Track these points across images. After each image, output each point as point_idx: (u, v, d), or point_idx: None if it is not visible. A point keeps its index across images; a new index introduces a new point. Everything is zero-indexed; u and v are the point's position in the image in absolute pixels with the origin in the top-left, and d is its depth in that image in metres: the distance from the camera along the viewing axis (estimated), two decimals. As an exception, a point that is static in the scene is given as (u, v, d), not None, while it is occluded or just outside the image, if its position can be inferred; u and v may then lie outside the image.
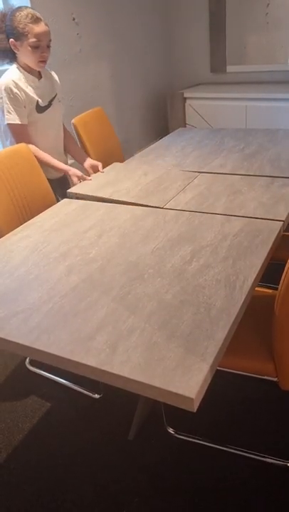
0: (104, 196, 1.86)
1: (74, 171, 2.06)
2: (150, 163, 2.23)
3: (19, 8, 1.85)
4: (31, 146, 2.00)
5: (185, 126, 3.94)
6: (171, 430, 1.62)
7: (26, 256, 1.44)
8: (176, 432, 1.61)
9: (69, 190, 1.97)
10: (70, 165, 2.30)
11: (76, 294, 1.20)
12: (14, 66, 1.95)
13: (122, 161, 2.41)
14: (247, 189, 1.78)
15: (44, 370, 1.96)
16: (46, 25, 1.87)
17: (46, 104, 2.05)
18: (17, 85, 1.90)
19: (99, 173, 2.15)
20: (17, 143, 1.97)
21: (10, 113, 1.91)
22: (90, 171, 2.19)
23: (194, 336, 1.00)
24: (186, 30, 4.11)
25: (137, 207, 1.73)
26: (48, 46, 1.91)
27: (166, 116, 4.16)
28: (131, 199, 1.80)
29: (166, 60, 4.26)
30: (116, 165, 2.22)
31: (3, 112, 1.92)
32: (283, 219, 1.51)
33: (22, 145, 1.94)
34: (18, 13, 1.83)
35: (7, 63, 1.98)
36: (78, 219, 1.68)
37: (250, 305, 1.47)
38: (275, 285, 1.27)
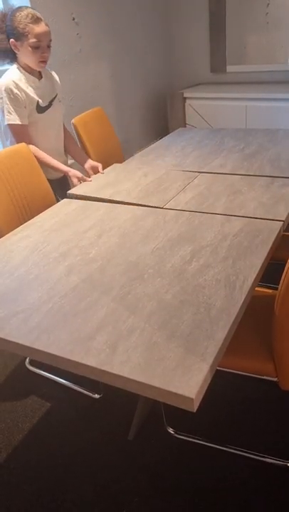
0: (104, 197, 1.86)
1: (74, 172, 2.05)
2: (150, 164, 2.23)
3: (19, 8, 1.85)
4: (31, 147, 2.00)
5: (185, 126, 3.94)
6: (171, 430, 1.62)
7: (26, 256, 1.44)
8: (176, 432, 1.61)
9: (69, 192, 1.97)
10: (70, 165, 2.30)
11: (76, 294, 1.20)
12: (14, 66, 1.95)
13: (122, 161, 2.41)
14: (247, 189, 1.78)
15: (44, 370, 1.96)
16: (46, 25, 1.87)
17: (47, 104, 2.05)
18: (17, 86, 1.90)
19: (99, 174, 2.15)
20: (17, 143, 1.97)
21: (10, 113, 1.91)
22: (90, 172, 2.19)
23: (194, 335, 1.00)
24: (186, 30, 4.11)
25: (137, 207, 1.73)
26: (49, 46, 1.91)
27: (166, 116, 4.16)
28: (131, 200, 1.80)
29: (166, 60, 4.26)
30: (116, 166, 2.22)
31: (3, 112, 1.92)
32: (283, 219, 1.51)
33: (22, 145, 1.94)
34: (18, 13, 1.83)
35: (7, 63, 1.98)
36: (78, 219, 1.68)
37: (250, 305, 1.47)
38: (275, 285, 1.27)
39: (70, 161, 2.32)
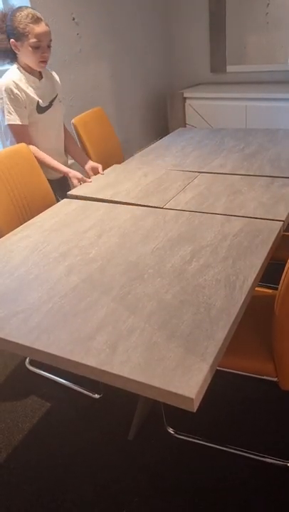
0: (104, 198, 1.86)
1: (74, 173, 2.05)
2: (150, 164, 2.23)
3: (19, 8, 1.85)
4: (32, 147, 2.00)
5: (185, 126, 3.94)
6: (171, 430, 1.62)
7: (26, 256, 1.44)
8: (176, 432, 1.61)
9: (69, 193, 1.96)
10: (70, 165, 2.30)
11: (76, 294, 1.20)
12: (15, 66, 1.95)
13: (122, 161, 2.41)
14: (247, 189, 1.78)
15: (44, 370, 1.96)
16: (47, 25, 1.87)
17: (47, 104, 2.04)
18: (17, 86, 1.90)
19: (99, 175, 2.15)
20: (18, 143, 1.97)
21: (10, 114, 1.91)
22: (90, 172, 2.19)
23: (194, 335, 1.00)
24: (186, 30, 4.11)
25: (137, 207, 1.73)
26: (49, 46, 1.91)
27: (166, 116, 4.16)
28: (131, 200, 1.80)
29: (166, 60, 4.26)
30: (116, 167, 2.22)
31: (3, 112, 1.92)
32: (283, 219, 1.51)
33: (22, 145, 1.94)
34: (18, 14, 1.83)
35: (8, 63, 1.98)
36: (78, 219, 1.68)
37: (250, 305, 1.47)
38: (275, 285, 1.27)
39: (70, 161, 2.32)
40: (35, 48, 1.86)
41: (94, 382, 1.82)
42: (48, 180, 2.02)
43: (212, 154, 2.26)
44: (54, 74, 2.13)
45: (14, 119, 1.92)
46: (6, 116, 1.92)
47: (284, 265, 1.17)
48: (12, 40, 1.87)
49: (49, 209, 1.81)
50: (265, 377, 1.32)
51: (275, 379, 1.30)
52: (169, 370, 0.91)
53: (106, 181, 2.04)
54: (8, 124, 1.94)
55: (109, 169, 2.20)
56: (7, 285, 1.28)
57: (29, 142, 1.99)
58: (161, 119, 4.31)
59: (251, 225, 1.48)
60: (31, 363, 2.02)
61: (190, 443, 1.57)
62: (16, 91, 1.89)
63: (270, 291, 1.57)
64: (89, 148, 2.44)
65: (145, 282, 1.22)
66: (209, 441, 1.56)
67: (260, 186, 1.80)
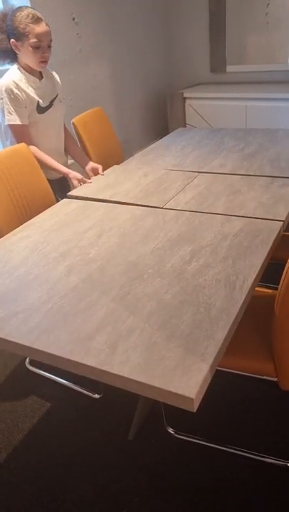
0: (104, 198, 1.85)
1: (74, 174, 2.05)
2: (150, 164, 2.23)
3: (20, 8, 1.85)
4: (32, 148, 2.00)
5: (185, 126, 3.94)
6: (171, 430, 1.62)
7: (26, 256, 1.44)
8: (176, 432, 1.61)
9: (69, 194, 1.96)
10: (70, 165, 2.30)
11: (76, 294, 1.20)
12: (15, 66, 1.95)
13: (122, 161, 2.41)
14: (247, 189, 1.78)
15: (44, 370, 1.96)
16: (47, 25, 1.87)
17: (47, 104, 2.04)
18: (18, 86, 1.90)
19: (99, 175, 2.15)
20: (18, 143, 1.96)
21: (11, 114, 1.91)
22: (90, 173, 2.19)
23: (194, 336, 1.00)
24: (186, 30, 4.11)
25: (136, 207, 1.73)
26: (49, 46, 1.91)
27: (166, 116, 4.16)
28: (131, 200, 1.80)
29: (166, 60, 4.26)
30: (116, 167, 2.22)
31: (3, 112, 1.92)
32: (283, 219, 1.51)
33: (22, 145, 1.94)
34: (18, 14, 1.82)
35: (8, 63, 1.98)
36: (78, 219, 1.68)
37: (250, 305, 1.47)
38: (275, 285, 1.27)
39: (69, 161, 2.32)
40: (36, 48, 1.86)
41: (94, 382, 1.82)
42: (47, 180, 2.02)
43: (212, 154, 2.26)
44: (54, 74, 2.13)
45: (14, 119, 1.92)
46: (7, 117, 1.92)
47: (284, 265, 1.17)
48: (12, 40, 1.87)
49: (49, 209, 1.81)
50: (265, 377, 1.32)
51: (275, 379, 1.30)
52: (168, 370, 0.91)
53: (106, 182, 2.04)
54: (9, 124, 1.94)
55: (109, 170, 2.20)
56: (7, 285, 1.28)
57: (29, 142, 1.99)
58: (161, 119, 4.31)
59: (251, 225, 1.48)
60: (31, 363, 2.02)
61: (190, 443, 1.57)
62: (16, 91, 1.89)
63: (270, 291, 1.57)
64: (89, 148, 2.44)
65: (145, 282, 1.22)
66: (209, 441, 1.56)
67: (260, 186, 1.80)
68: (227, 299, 1.11)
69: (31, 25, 1.82)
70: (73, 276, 1.29)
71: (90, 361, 0.95)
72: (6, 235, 1.62)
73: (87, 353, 0.98)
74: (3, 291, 1.26)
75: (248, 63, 3.97)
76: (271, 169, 1.97)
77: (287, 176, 1.88)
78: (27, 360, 2.04)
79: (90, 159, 2.38)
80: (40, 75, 2.02)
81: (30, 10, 1.84)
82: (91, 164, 2.21)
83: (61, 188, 2.21)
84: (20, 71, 1.94)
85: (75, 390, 1.85)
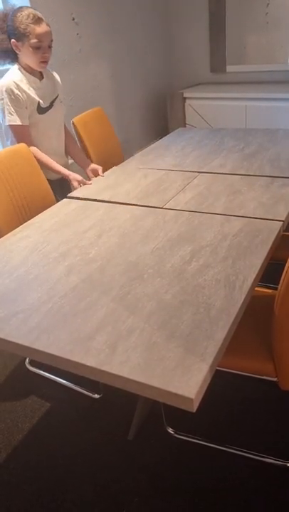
0: (104, 199, 1.85)
1: (74, 176, 2.05)
2: (150, 164, 2.23)
3: (20, 9, 1.85)
4: (33, 148, 2.00)
5: (185, 126, 3.94)
6: (170, 430, 1.62)
7: (26, 256, 1.44)
8: (175, 432, 1.61)
9: (69, 195, 1.96)
10: (70, 165, 2.30)
11: (76, 294, 1.20)
12: (15, 67, 1.95)
13: (121, 161, 2.41)
14: (247, 189, 1.78)
15: (44, 370, 1.96)
16: (48, 25, 1.87)
17: (48, 105, 2.04)
18: (18, 86, 1.90)
19: (99, 177, 2.14)
20: (18, 144, 1.96)
21: (11, 114, 1.91)
22: (90, 174, 2.19)
23: (194, 336, 1.00)
24: (186, 30, 4.11)
25: (136, 207, 1.73)
26: (50, 47, 1.91)
27: (166, 116, 4.16)
28: (131, 201, 1.80)
29: (166, 60, 4.26)
30: (116, 169, 2.22)
31: (3, 113, 1.92)
32: (283, 219, 1.51)
33: (22, 145, 1.94)
34: (19, 14, 1.82)
35: (8, 63, 1.98)
36: (78, 219, 1.68)
37: (250, 305, 1.47)
38: (275, 285, 1.27)
39: (70, 161, 2.32)
40: (36, 48, 1.86)
41: (94, 383, 1.82)
42: (47, 180, 2.02)
43: (212, 154, 2.26)
44: (55, 74, 2.13)
45: (15, 120, 1.92)
46: (7, 117, 1.92)
47: (284, 265, 1.17)
48: (13, 40, 1.87)
49: (49, 209, 1.81)
50: (264, 377, 1.32)
51: (275, 379, 1.30)
52: (168, 370, 0.91)
53: (106, 183, 2.04)
54: (9, 125, 1.94)
55: (109, 171, 2.19)
56: (7, 285, 1.28)
57: (30, 143, 1.99)
58: (161, 119, 4.31)
59: (251, 225, 1.48)
60: (31, 363, 2.02)
61: (190, 443, 1.57)
62: (16, 91, 1.89)
63: (270, 291, 1.57)
64: (89, 148, 2.44)
65: (145, 282, 1.22)
66: (209, 441, 1.56)
67: (259, 186, 1.80)
68: (227, 299, 1.11)
69: (32, 25, 1.82)
70: (73, 276, 1.29)
71: (90, 361, 0.95)
72: (6, 235, 1.62)
73: (87, 353, 0.98)
74: (3, 291, 1.26)
75: (248, 63, 3.97)
76: (271, 169, 1.97)
77: (287, 175, 1.88)
78: (27, 360, 2.04)
79: (90, 159, 2.38)
80: (40, 76, 2.02)
81: (31, 10, 1.84)
82: (91, 165, 2.21)
83: (61, 188, 2.21)
84: (21, 71, 1.94)
85: (75, 390, 1.85)
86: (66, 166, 2.21)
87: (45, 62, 1.92)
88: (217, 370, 1.29)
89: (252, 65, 3.94)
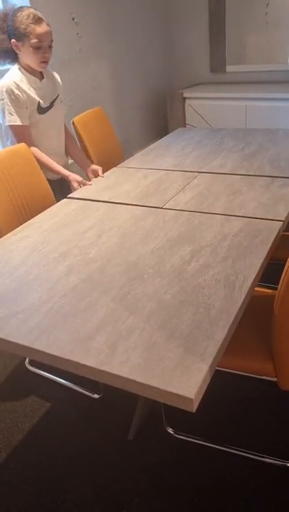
0: (104, 200, 1.85)
1: (74, 177, 2.05)
2: (150, 164, 2.23)
3: (21, 9, 1.85)
4: (33, 149, 2.00)
5: (185, 126, 3.94)
6: (170, 430, 1.62)
7: (26, 256, 1.45)
8: (175, 432, 1.61)
9: (69, 196, 1.96)
10: (70, 165, 2.30)
11: (76, 294, 1.20)
12: (16, 67, 1.95)
13: (121, 161, 2.41)
14: (247, 189, 1.78)
15: (44, 370, 1.96)
16: (48, 25, 1.87)
17: (48, 105, 2.04)
18: (18, 87, 1.90)
19: (99, 177, 2.14)
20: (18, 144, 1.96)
21: (11, 114, 1.91)
22: (90, 175, 2.19)
23: (194, 336, 1.00)
24: (186, 30, 4.11)
25: (136, 207, 1.73)
26: (50, 47, 1.91)
27: (166, 116, 4.16)
28: (130, 201, 1.80)
29: (166, 60, 4.26)
30: (116, 170, 2.22)
31: (4, 113, 1.92)
32: (283, 219, 1.51)
33: (22, 145, 1.94)
34: (19, 14, 1.82)
35: (8, 63, 1.98)
36: (78, 219, 1.68)
37: (250, 305, 1.48)
38: (275, 285, 1.27)
39: (69, 161, 2.32)
40: (37, 48, 1.86)
41: (94, 383, 1.82)
42: (47, 180, 2.02)
43: (212, 154, 2.26)
44: (55, 74, 2.13)
45: (15, 120, 1.92)
46: (7, 117, 1.92)
47: (283, 265, 1.17)
48: (13, 40, 1.87)
49: (49, 209, 1.81)
50: (264, 377, 1.32)
51: (275, 379, 1.30)
52: (168, 370, 0.91)
53: (106, 184, 2.04)
54: (9, 125, 1.93)
55: (109, 172, 2.19)
56: (7, 285, 1.28)
57: (30, 143, 1.99)
58: (161, 119, 4.31)
59: (251, 225, 1.48)
60: (31, 363, 2.03)
61: (189, 443, 1.57)
62: (16, 92, 1.89)
63: (270, 291, 1.57)
64: (89, 149, 2.44)
65: (145, 282, 1.22)
66: (209, 441, 1.56)
67: (259, 186, 1.80)
68: (226, 299, 1.11)
69: (32, 25, 1.82)
70: (73, 276, 1.29)
71: (90, 361, 0.95)
72: (6, 235, 1.62)
73: (87, 353, 0.98)
74: (3, 291, 1.26)
75: (248, 63, 3.97)
76: (271, 169, 1.97)
77: (287, 175, 1.88)
78: (27, 360, 2.04)
79: (90, 159, 2.38)
80: (41, 76, 2.02)
81: (31, 10, 1.84)
82: (91, 166, 2.21)
83: (61, 188, 2.20)
84: (21, 71, 1.94)
85: (75, 390, 1.85)
86: (66, 166, 2.21)
87: (45, 62, 1.92)
88: (217, 370, 1.30)
89: (252, 65, 3.94)
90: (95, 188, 2.01)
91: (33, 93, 1.95)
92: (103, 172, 2.17)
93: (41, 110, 2.01)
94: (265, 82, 3.93)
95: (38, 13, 1.84)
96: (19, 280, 1.30)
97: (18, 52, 1.90)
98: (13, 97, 1.89)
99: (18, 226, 1.72)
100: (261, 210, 1.59)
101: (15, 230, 1.66)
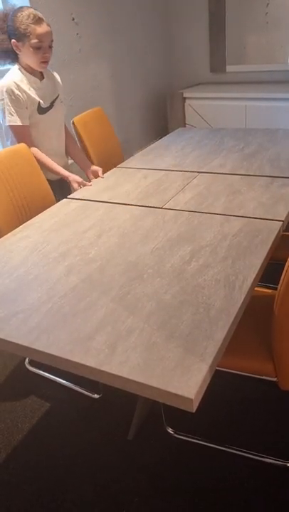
0: (103, 200, 1.85)
1: (74, 177, 2.05)
2: (150, 164, 2.23)
3: (21, 9, 1.85)
4: (33, 149, 2.00)
5: (185, 126, 3.94)
6: (170, 430, 1.62)
7: (26, 256, 1.45)
8: (175, 432, 1.61)
9: (69, 197, 1.96)
10: (70, 165, 2.30)
11: (75, 294, 1.20)
12: (16, 67, 1.95)
13: (121, 161, 2.41)
14: (246, 189, 1.78)
15: (44, 371, 1.96)
16: (48, 25, 1.87)
17: (48, 105, 2.04)
18: (19, 87, 1.90)
19: (99, 178, 2.14)
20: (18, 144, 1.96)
21: (12, 115, 1.91)
22: (91, 176, 2.19)
23: (193, 336, 1.00)
24: (185, 30, 4.11)
25: (136, 207, 1.73)
26: (50, 47, 1.91)
27: (166, 116, 4.16)
28: (130, 201, 1.80)
29: (166, 60, 4.26)
30: (116, 170, 2.22)
31: (4, 113, 1.92)
32: (283, 219, 1.51)
33: (22, 145, 1.94)
34: (19, 14, 1.82)
35: (9, 64, 1.98)
36: (78, 219, 1.68)
37: (250, 305, 1.48)
38: (275, 285, 1.27)
39: (69, 161, 2.32)
40: (37, 48, 1.86)
41: (93, 383, 1.82)
42: (47, 180, 2.02)
43: (212, 154, 2.26)
44: (55, 74, 2.13)
45: (15, 120, 1.92)
46: (7, 117, 1.92)
47: (283, 265, 1.17)
48: (13, 40, 1.87)
49: (48, 209, 1.81)
50: (264, 377, 1.32)
51: (275, 379, 1.30)
52: (168, 370, 0.91)
53: (106, 184, 2.04)
54: (9, 125, 1.93)
55: (109, 172, 2.19)
56: (6, 285, 1.28)
57: (30, 143, 1.99)
58: (161, 119, 4.31)
59: (251, 225, 1.48)
60: (31, 363, 2.03)
61: (189, 443, 1.57)
62: (17, 92, 1.89)
63: (270, 291, 1.57)
64: (89, 149, 2.44)
65: (144, 282, 1.22)
66: (208, 441, 1.56)
67: (259, 186, 1.80)
68: (226, 299, 1.11)
69: (32, 25, 1.82)
70: (73, 276, 1.29)
71: (90, 361, 0.95)
72: (6, 235, 1.62)
73: (86, 353, 0.98)
74: (2, 291, 1.26)
75: (248, 63, 3.97)
76: (271, 169, 1.97)
77: (286, 175, 1.88)
78: (26, 360, 2.04)
79: (90, 159, 2.38)
80: (41, 76, 2.02)
81: (31, 10, 1.84)
82: (91, 167, 2.21)
83: (61, 189, 2.20)
84: (21, 72, 1.94)
85: (75, 390, 1.85)
86: (66, 166, 2.21)
87: (45, 62, 1.92)
88: (217, 370, 1.29)
89: (252, 65, 3.94)
90: (95, 188, 2.01)
91: (33, 93, 1.95)
92: (103, 172, 2.17)
93: (41, 110, 2.01)
94: (265, 82, 3.93)
95: (38, 13, 1.84)
96: (19, 280, 1.30)
97: (18, 52, 1.90)
98: (14, 97, 1.89)
99: (18, 226, 1.72)
100: (261, 210, 1.59)
101: (15, 230, 1.66)
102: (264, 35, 3.81)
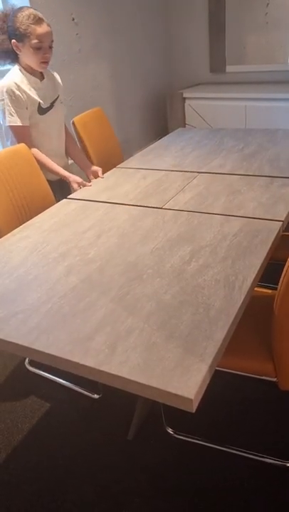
0: (103, 200, 1.85)
1: (74, 178, 2.05)
2: (149, 164, 2.23)
3: (21, 9, 1.85)
4: (34, 150, 2.00)
5: (184, 126, 3.94)
6: (170, 430, 1.62)
7: (25, 256, 1.45)
8: (175, 432, 1.61)
9: (69, 197, 1.96)
10: (70, 165, 2.30)
11: (75, 295, 1.20)
12: (16, 67, 1.95)
13: (121, 161, 2.41)
14: (246, 189, 1.78)
15: (44, 371, 1.96)
16: (48, 25, 1.87)
17: (48, 105, 2.04)
18: (19, 87, 1.90)
19: (99, 178, 2.14)
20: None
21: (12, 115, 1.91)
22: (90, 176, 2.19)
23: (193, 336, 1.00)
24: (185, 30, 4.11)
25: (136, 207, 1.73)
26: (50, 47, 1.91)
27: (166, 117, 4.16)
28: (130, 201, 1.80)
29: (165, 60, 4.26)
30: (116, 170, 2.22)
31: (4, 113, 1.92)
32: (282, 219, 1.51)
33: (22, 146, 1.94)
34: (20, 14, 1.82)
35: (9, 64, 1.98)
36: (77, 219, 1.68)
37: (250, 305, 1.47)
38: (275, 285, 1.27)
39: (69, 161, 2.32)
40: (37, 48, 1.86)
41: (93, 383, 1.82)
42: (47, 181, 2.02)
43: (211, 154, 2.26)
44: (55, 75, 2.13)
45: (15, 121, 1.92)
46: (7, 118, 1.92)
47: (283, 265, 1.17)
48: (13, 40, 1.87)
49: (48, 209, 1.81)
50: (264, 378, 1.32)
51: (275, 379, 1.30)
52: (168, 370, 0.91)
53: (106, 185, 2.04)
54: (9, 126, 1.93)
55: (108, 173, 2.19)
56: (6, 286, 1.28)
57: (30, 143, 1.99)
58: (161, 119, 4.31)
59: (250, 225, 1.48)
60: (31, 363, 2.03)
61: (189, 443, 1.57)
62: (17, 92, 1.89)
63: (270, 291, 1.57)
64: (89, 149, 2.44)
65: (144, 283, 1.22)
66: (209, 442, 1.56)
67: (259, 186, 1.80)
68: (226, 299, 1.11)
69: (33, 26, 1.82)
70: (73, 276, 1.29)
71: (89, 362, 0.95)
72: (6, 236, 1.62)
73: (86, 353, 0.98)
74: (2, 291, 1.26)
75: (248, 63, 3.97)
76: (271, 169, 1.97)
77: (286, 176, 1.88)
78: (26, 360, 2.04)
79: (90, 159, 2.38)
80: (41, 76, 2.02)
81: (31, 10, 1.84)
82: (91, 167, 2.21)
83: (61, 189, 2.20)
84: (22, 72, 1.94)
85: (75, 391, 1.85)
86: (66, 166, 2.21)
87: (45, 62, 1.92)
88: (216, 370, 1.29)
89: (252, 65, 3.94)
90: (94, 188, 2.01)
91: (33, 94, 1.95)
92: (103, 173, 2.17)
93: (42, 111, 2.01)
94: (265, 82, 3.93)
95: (38, 13, 1.84)
96: (19, 280, 1.30)
97: (18, 52, 1.90)
98: (14, 98, 1.89)
99: (17, 226, 1.72)
100: (261, 210, 1.59)
101: (14, 230, 1.66)
102: (264, 35, 3.81)
